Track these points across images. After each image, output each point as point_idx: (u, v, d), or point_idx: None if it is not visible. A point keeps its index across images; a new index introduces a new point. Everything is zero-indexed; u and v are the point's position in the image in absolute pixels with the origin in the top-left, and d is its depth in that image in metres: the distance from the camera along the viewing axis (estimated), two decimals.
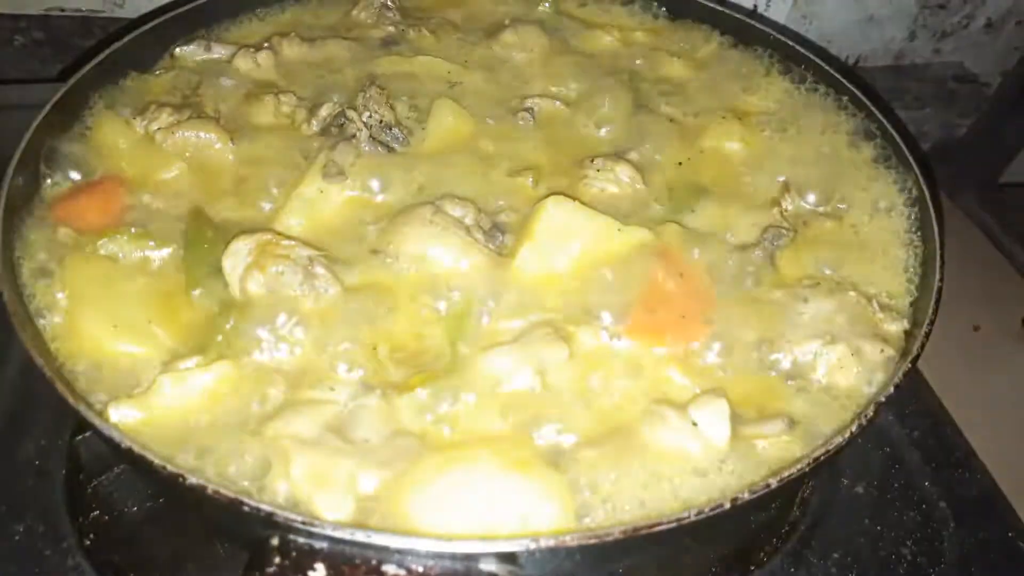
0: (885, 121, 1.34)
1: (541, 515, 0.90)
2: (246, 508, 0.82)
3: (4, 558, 1.11)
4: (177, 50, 1.51)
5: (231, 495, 0.83)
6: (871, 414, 0.95)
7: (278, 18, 1.65)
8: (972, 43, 2.50)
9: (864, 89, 1.42)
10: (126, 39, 1.44)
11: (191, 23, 1.54)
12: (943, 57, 2.52)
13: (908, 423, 1.37)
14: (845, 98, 1.46)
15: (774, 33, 1.57)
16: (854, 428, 0.93)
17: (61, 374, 0.96)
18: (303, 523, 0.81)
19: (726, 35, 1.64)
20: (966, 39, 2.45)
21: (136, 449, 0.86)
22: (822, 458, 0.91)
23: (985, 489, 1.30)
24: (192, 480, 0.84)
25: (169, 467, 0.85)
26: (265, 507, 0.82)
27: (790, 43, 1.54)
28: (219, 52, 1.52)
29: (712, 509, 0.85)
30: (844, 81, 1.45)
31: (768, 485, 0.88)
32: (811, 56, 1.50)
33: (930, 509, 1.27)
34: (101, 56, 1.39)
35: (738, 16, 1.63)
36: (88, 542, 1.15)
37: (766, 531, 1.22)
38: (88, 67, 1.36)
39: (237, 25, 1.61)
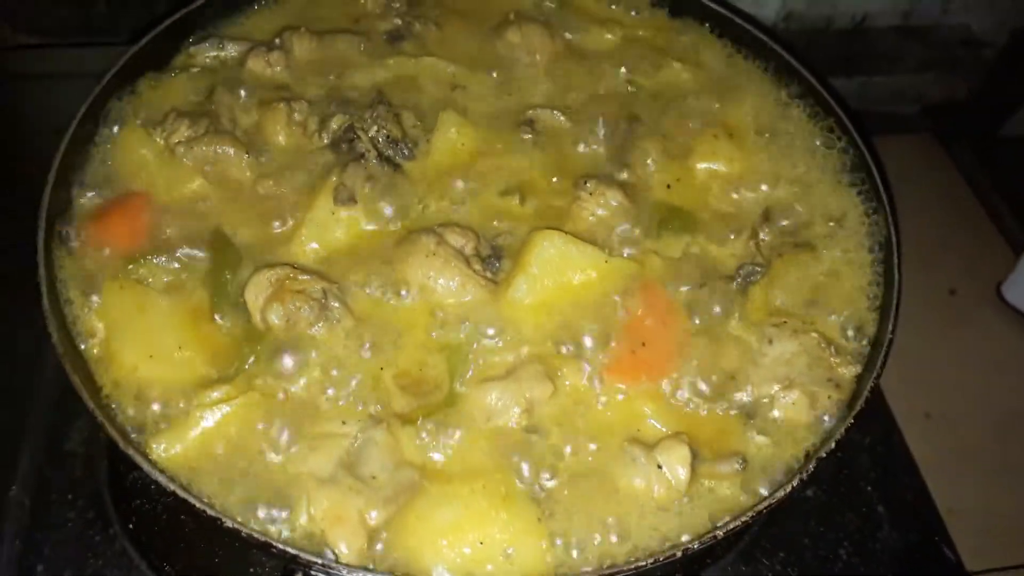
0: (872, 162, 1.41)
1: (523, 551, 1.07)
2: (274, 550, 0.98)
3: (61, 543, 1.29)
4: (192, 48, 1.56)
5: (262, 538, 0.99)
6: (812, 469, 1.09)
7: (286, 6, 1.69)
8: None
9: (853, 119, 1.48)
10: (146, 39, 1.49)
11: (203, 17, 1.59)
12: (950, 17, 2.52)
13: (861, 428, 1.52)
14: (831, 119, 1.52)
15: (771, 42, 1.61)
16: (795, 483, 1.08)
17: (114, 420, 1.09)
18: (323, 565, 0.98)
19: (723, 38, 1.68)
20: None
21: (180, 493, 1.01)
22: (764, 510, 1.06)
23: (917, 492, 1.47)
24: (229, 523, 1.00)
25: (210, 511, 1.00)
26: (291, 550, 0.98)
27: (785, 55, 1.59)
28: (232, 49, 1.57)
29: (665, 557, 1.01)
30: (835, 106, 1.50)
31: (715, 536, 1.04)
32: (810, 78, 1.55)
33: (869, 512, 1.44)
34: (122, 61, 1.45)
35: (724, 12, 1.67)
36: (132, 526, 1.33)
37: None
38: (110, 74, 1.43)
39: (246, 16, 1.65)
